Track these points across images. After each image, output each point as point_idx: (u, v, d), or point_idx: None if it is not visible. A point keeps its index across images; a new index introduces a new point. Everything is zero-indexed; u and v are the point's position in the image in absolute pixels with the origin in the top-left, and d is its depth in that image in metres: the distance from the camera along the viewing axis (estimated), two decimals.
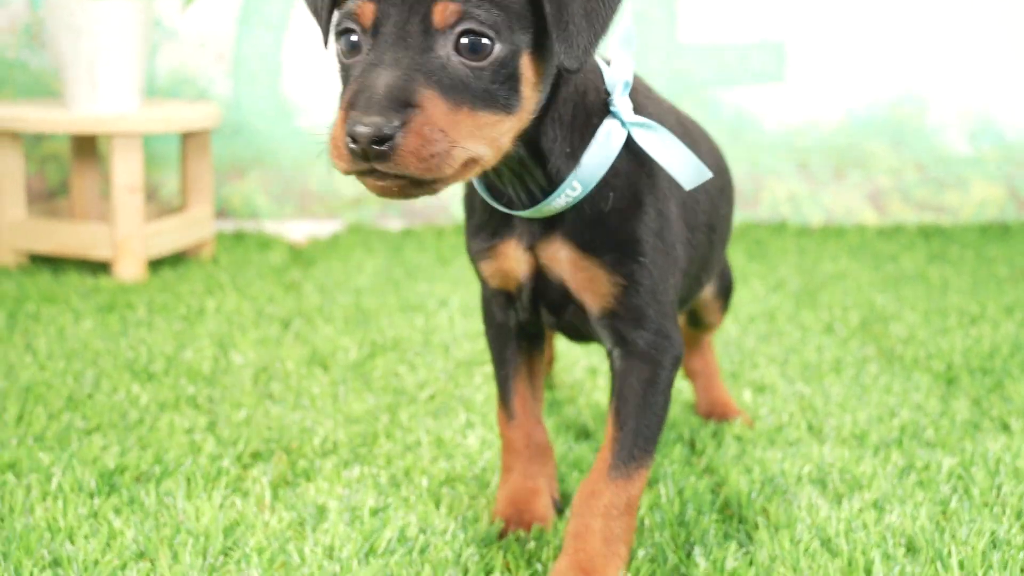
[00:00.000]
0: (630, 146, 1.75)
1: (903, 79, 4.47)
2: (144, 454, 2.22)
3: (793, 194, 4.50)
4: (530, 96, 1.57)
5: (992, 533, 1.93)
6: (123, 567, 1.83)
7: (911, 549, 1.89)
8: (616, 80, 1.74)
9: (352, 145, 1.45)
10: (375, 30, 1.53)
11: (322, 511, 2.03)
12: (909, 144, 4.50)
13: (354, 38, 1.56)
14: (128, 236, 3.58)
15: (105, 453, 2.23)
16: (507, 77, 1.52)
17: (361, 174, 1.49)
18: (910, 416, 2.47)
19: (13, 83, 4.19)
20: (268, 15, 4.25)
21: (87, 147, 3.93)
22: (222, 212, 4.30)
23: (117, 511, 2.00)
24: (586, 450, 2.29)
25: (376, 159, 1.45)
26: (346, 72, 1.57)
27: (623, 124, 1.72)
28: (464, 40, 1.50)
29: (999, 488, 2.12)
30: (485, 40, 1.50)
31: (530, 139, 1.66)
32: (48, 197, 4.25)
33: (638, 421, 1.79)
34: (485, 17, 1.49)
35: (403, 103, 1.46)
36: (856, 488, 2.13)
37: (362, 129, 1.44)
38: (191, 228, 3.82)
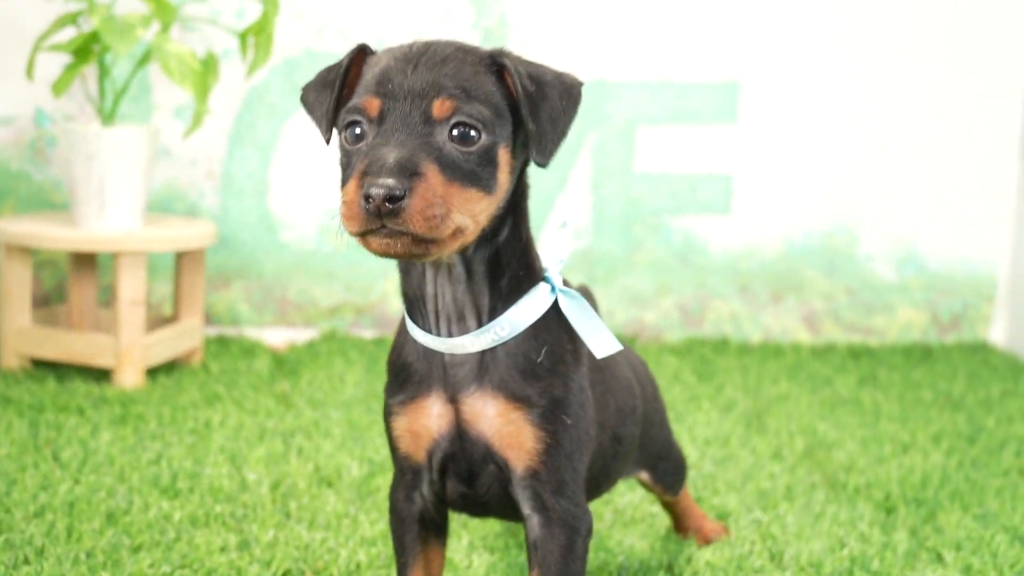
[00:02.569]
0: (558, 313, 1.99)
1: (836, 213, 4.87)
2: (195, 575, 2.50)
3: (735, 314, 4.87)
4: (504, 181, 1.87)
5: None
6: None
7: None
8: (552, 257, 2.04)
9: (366, 205, 1.73)
10: (380, 120, 1.84)
11: None
12: (841, 271, 4.90)
13: (359, 130, 1.87)
14: (130, 346, 3.86)
15: (156, 572, 2.51)
16: (488, 162, 1.83)
17: (370, 233, 1.76)
18: (858, 547, 2.81)
19: (17, 194, 4.45)
20: (258, 136, 4.56)
21: (86, 259, 4.20)
22: (206, 318, 4.57)
23: None
24: None
25: (387, 216, 1.73)
26: (349, 158, 1.87)
27: (553, 289, 1.98)
28: (455, 131, 1.81)
29: None
30: (473, 132, 1.81)
31: (493, 246, 1.92)
32: (44, 302, 4.50)
33: None
34: (475, 112, 1.81)
35: (410, 172, 1.74)
36: None
37: (376, 190, 1.72)
38: (183, 337, 4.10)
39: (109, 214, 3.93)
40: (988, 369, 4.59)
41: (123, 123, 4.25)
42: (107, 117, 3.99)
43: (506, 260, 1.94)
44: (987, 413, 4.00)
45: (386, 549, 2.69)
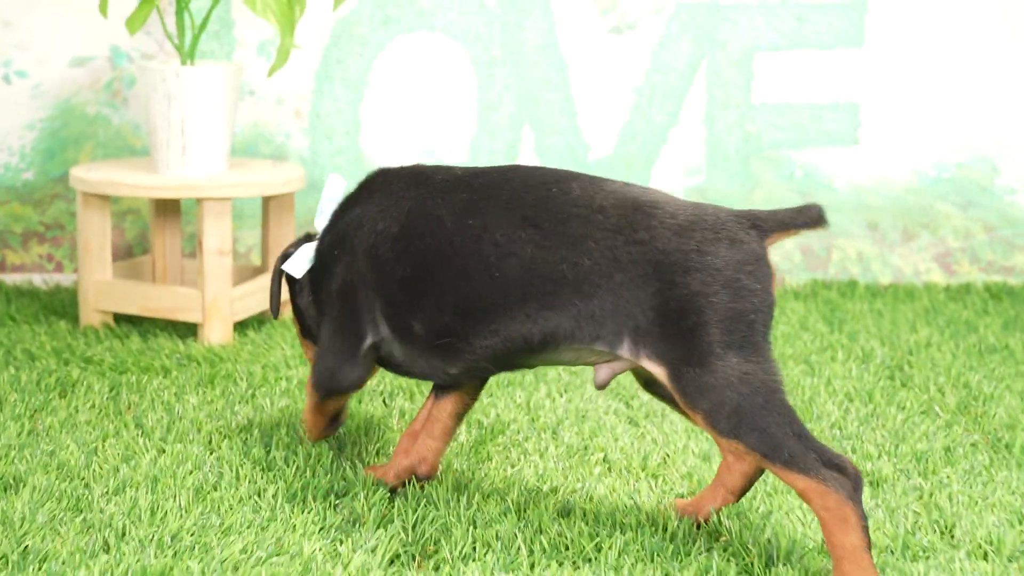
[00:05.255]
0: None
1: (973, 142, 4.51)
2: (292, 564, 2.23)
3: (863, 254, 4.53)
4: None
5: None
6: None
7: None
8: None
9: None
10: None
11: None
12: (978, 205, 4.54)
13: None
14: (217, 299, 3.60)
15: (248, 558, 2.24)
16: None
17: None
18: None
19: (95, 139, 4.21)
20: (348, 71, 4.28)
21: (169, 206, 3.95)
22: None
23: None
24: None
25: None
26: None
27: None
28: None
29: None
30: None
31: None
32: (127, 254, 4.26)
33: None
34: None
35: None
36: None
37: None
38: None
39: (191, 158, 3.67)
40: None
41: (204, 61, 3.98)
42: (187, 55, 3.72)
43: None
44: None
45: (508, 530, 2.40)
